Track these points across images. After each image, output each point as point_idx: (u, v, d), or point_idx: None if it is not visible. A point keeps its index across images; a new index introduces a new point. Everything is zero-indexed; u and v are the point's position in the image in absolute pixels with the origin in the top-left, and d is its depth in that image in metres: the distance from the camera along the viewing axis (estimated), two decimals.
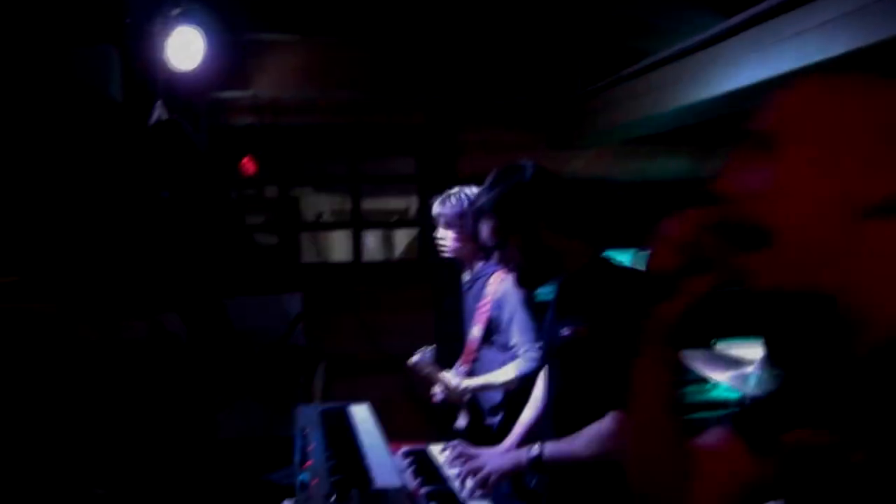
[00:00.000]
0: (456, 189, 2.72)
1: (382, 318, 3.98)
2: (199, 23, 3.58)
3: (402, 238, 5.22)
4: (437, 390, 2.71)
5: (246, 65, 3.87)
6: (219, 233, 3.81)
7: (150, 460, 2.69)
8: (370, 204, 5.45)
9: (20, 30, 3.27)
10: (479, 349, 2.71)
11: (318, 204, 5.28)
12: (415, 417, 3.32)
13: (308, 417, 1.86)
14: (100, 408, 2.82)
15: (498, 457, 1.79)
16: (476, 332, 2.71)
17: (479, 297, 2.71)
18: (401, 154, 4.67)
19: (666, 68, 3.37)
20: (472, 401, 2.74)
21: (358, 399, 2.06)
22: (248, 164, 4.34)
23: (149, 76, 3.49)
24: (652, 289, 0.83)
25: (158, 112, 3.11)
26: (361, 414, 1.92)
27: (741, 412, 0.91)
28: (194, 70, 3.55)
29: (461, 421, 2.78)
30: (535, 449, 1.66)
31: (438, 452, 1.97)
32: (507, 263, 1.74)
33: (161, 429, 2.77)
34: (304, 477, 1.49)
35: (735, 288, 0.80)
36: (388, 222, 5.41)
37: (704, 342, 3.16)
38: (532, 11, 3.92)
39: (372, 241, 5.16)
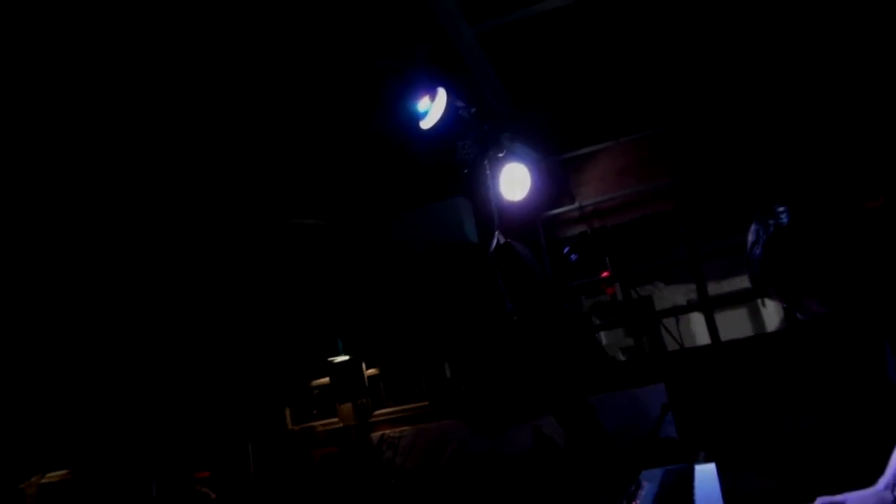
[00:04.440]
0: None
1: (759, 398, 3.62)
2: (522, 157, 4.09)
3: (773, 311, 4.76)
4: None
5: (568, 180, 4.23)
6: (568, 338, 4.04)
7: None
8: (729, 285, 5.15)
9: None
10: None
11: (671, 298, 5.20)
12: None
13: (651, 476, 1.83)
14: None
15: (863, 499, 1.50)
16: None
17: None
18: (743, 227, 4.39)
19: None
20: None
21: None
22: (606, 274, 4.57)
23: (490, 212, 4.06)
24: None
25: (497, 239, 3.58)
26: (706, 474, 1.81)
27: None
28: (526, 198, 4.02)
29: None
30: None
31: None
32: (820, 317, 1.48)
33: None
34: None
35: None
36: (737, 299, 5.02)
37: None
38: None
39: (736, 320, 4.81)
